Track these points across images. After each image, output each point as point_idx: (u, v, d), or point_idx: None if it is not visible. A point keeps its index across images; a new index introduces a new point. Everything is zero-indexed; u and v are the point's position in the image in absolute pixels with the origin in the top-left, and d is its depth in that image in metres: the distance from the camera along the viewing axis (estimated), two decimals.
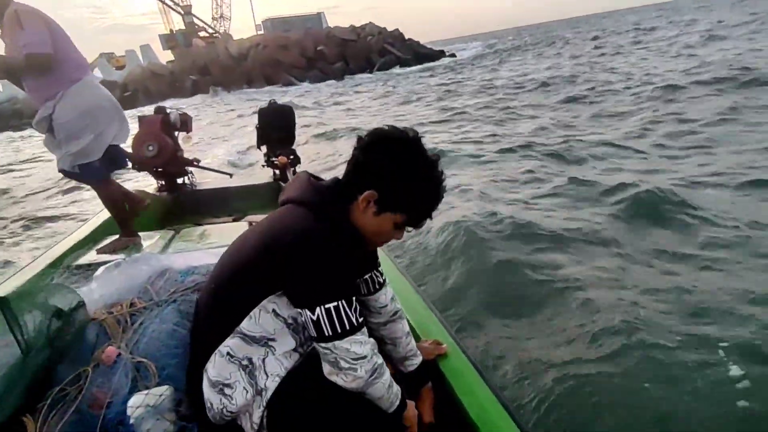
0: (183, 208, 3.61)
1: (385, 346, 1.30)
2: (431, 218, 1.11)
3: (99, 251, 2.36)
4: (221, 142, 10.34)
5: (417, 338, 1.45)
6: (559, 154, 5.85)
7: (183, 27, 46.80)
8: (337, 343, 0.98)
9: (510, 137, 7.11)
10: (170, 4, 46.37)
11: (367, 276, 1.27)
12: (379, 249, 1.37)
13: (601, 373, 2.03)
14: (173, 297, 1.32)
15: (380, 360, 1.05)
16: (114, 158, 2.46)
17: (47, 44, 2.09)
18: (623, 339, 2.21)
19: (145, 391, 1.05)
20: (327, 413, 1.02)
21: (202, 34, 47.09)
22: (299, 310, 1.00)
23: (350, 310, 0.99)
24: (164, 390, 1.06)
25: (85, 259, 2.23)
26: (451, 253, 3.49)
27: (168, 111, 3.62)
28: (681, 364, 2.04)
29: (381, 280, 1.29)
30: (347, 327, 0.98)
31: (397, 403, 1.08)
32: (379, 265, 1.30)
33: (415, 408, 1.18)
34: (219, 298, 1.08)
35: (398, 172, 1.03)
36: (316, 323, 0.97)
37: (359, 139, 1.08)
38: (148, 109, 4.08)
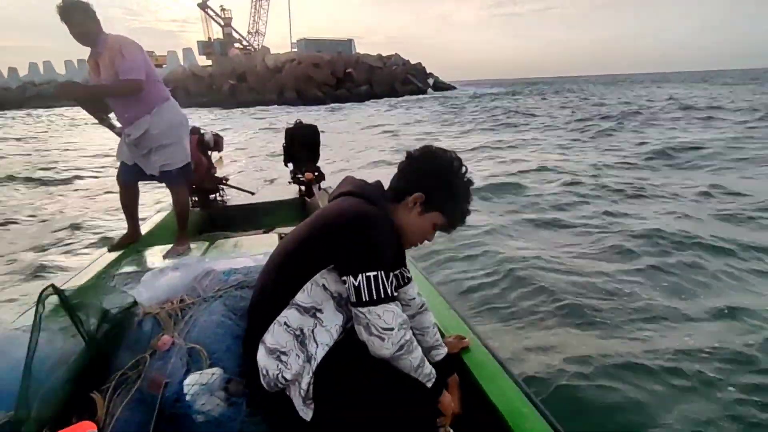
0: (215, 222, 3.81)
1: (414, 336, 1.40)
2: (464, 222, 1.30)
3: (166, 256, 2.66)
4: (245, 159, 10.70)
5: (441, 335, 1.54)
6: None
7: (221, 37, 50.26)
8: (371, 308, 1.10)
9: None
10: (212, 14, 49.86)
11: (397, 271, 1.39)
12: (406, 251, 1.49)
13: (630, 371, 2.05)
14: (219, 293, 1.46)
15: (409, 336, 1.15)
16: (186, 169, 2.88)
17: (142, 72, 2.54)
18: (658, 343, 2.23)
19: (200, 372, 1.18)
20: (369, 386, 1.12)
21: (237, 45, 50.08)
22: (344, 278, 1.13)
23: (387, 281, 1.11)
24: (216, 370, 1.18)
25: (134, 265, 2.42)
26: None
27: (203, 132, 3.87)
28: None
29: (409, 276, 1.42)
30: (383, 295, 1.10)
31: (430, 384, 1.18)
32: (407, 262, 1.43)
33: (451, 400, 1.25)
34: (279, 276, 1.22)
35: (444, 179, 1.25)
36: (357, 288, 1.10)
37: (408, 153, 1.28)
38: (188, 113, 4.32)
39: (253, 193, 4.30)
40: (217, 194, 4.05)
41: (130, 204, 2.90)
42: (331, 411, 1.13)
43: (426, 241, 1.32)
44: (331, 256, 1.15)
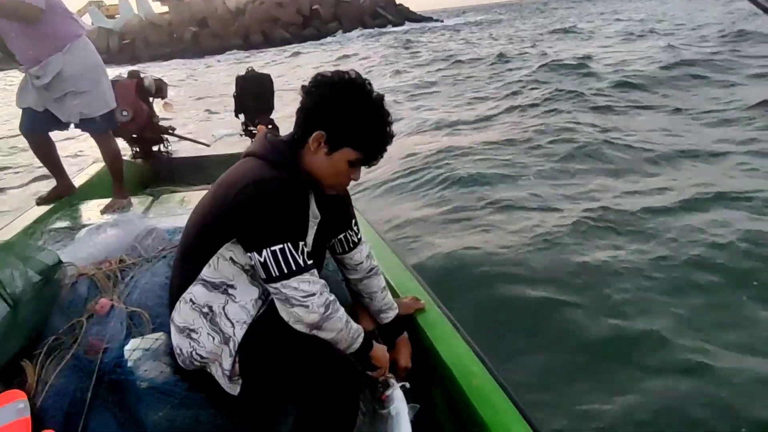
0: (159, 175, 3.58)
1: (362, 299, 1.39)
2: (383, 154, 1.16)
3: (104, 212, 2.44)
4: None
5: (396, 295, 1.55)
6: None
7: None
8: (284, 282, 1.03)
9: None
10: None
11: (341, 236, 1.34)
12: (357, 212, 1.45)
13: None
14: (162, 253, 1.38)
15: (332, 297, 1.09)
16: (110, 117, 2.60)
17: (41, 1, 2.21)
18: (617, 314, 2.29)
19: (141, 336, 1.12)
20: (297, 357, 1.07)
21: None
22: (249, 254, 1.05)
23: (296, 252, 1.03)
24: (159, 335, 1.13)
25: (66, 221, 2.23)
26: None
27: (142, 76, 3.54)
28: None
29: (356, 239, 1.36)
30: (293, 268, 1.02)
31: (360, 340, 1.14)
32: (356, 225, 1.38)
33: (386, 351, 1.25)
34: (185, 250, 1.15)
35: (342, 108, 1.08)
36: (264, 265, 1.02)
37: (303, 86, 1.12)
38: (151, 70, 3.96)
39: (207, 146, 4.06)
40: (161, 145, 3.79)
41: (47, 154, 2.63)
42: (260, 384, 1.10)
43: (353, 182, 1.19)
44: (231, 230, 1.07)
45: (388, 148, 1.16)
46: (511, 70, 10.22)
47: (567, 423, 1.75)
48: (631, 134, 5.13)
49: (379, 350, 1.22)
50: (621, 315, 2.31)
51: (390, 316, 1.39)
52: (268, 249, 1.02)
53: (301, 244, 1.05)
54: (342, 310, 1.12)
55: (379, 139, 1.13)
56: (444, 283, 2.52)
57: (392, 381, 1.32)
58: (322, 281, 1.09)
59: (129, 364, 1.09)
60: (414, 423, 1.23)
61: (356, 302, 1.46)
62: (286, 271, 1.02)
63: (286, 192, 1.05)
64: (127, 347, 1.11)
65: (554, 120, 5.86)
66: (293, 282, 1.03)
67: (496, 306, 2.43)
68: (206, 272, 1.09)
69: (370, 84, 1.12)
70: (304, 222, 1.13)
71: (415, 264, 2.51)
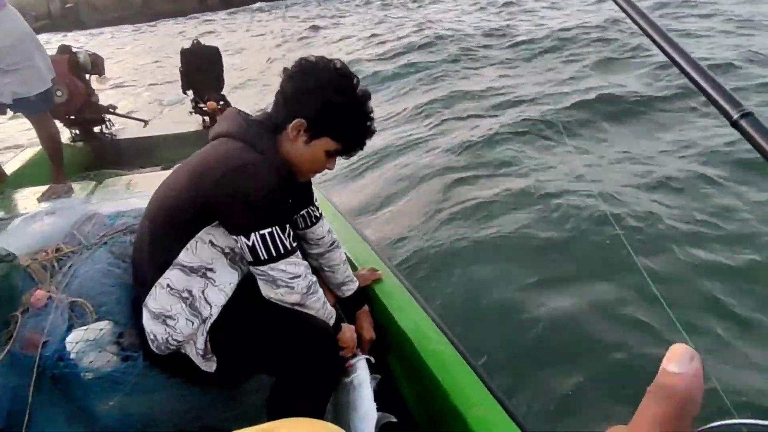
0: (103, 158, 3.37)
1: (323, 273, 1.39)
2: (362, 148, 1.16)
3: (41, 199, 2.29)
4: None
5: (354, 267, 1.55)
6: None
7: None
8: (272, 265, 1.03)
9: None
10: None
11: (303, 212, 1.33)
12: (315, 188, 1.42)
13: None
14: (104, 240, 1.30)
15: (314, 278, 1.12)
16: (46, 96, 2.41)
17: None
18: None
19: (84, 327, 1.06)
20: (273, 327, 1.09)
21: None
22: (235, 237, 1.04)
23: (284, 236, 1.04)
24: (104, 324, 1.08)
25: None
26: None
27: (75, 50, 3.28)
28: None
29: (317, 215, 1.36)
30: (282, 251, 1.03)
31: (332, 321, 1.16)
32: (316, 201, 1.37)
33: (354, 332, 1.27)
34: (157, 234, 1.10)
35: (326, 100, 1.07)
36: (252, 248, 1.02)
37: (285, 69, 1.10)
38: (102, 38, 3.63)
39: (145, 122, 3.82)
40: (103, 126, 3.55)
41: (48, 139, 2.46)
42: (235, 358, 1.10)
43: (328, 170, 1.20)
44: (213, 214, 1.04)
45: (368, 142, 1.17)
46: None
47: (529, 395, 1.80)
48: None
49: (348, 332, 1.24)
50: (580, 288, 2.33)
51: (352, 288, 1.40)
52: (256, 233, 1.01)
53: (287, 227, 1.06)
54: (321, 291, 1.13)
55: (360, 134, 1.13)
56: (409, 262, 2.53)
57: (357, 351, 1.34)
58: (305, 263, 1.10)
59: (72, 356, 1.03)
60: (377, 393, 1.25)
61: (317, 277, 1.46)
62: (274, 254, 1.03)
63: (270, 176, 1.03)
64: (68, 339, 1.05)
65: None
66: (281, 265, 1.04)
67: (464, 287, 2.46)
68: (183, 257, 1.06)
69: (357, 79, 1.11)
70: (287, 205, 1.13)
71: (374, 239, 2.50)
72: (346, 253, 1.59)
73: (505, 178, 3.61)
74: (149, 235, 1.11)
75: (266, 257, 1.02)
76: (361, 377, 1.26)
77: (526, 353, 1.97)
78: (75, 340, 1.04)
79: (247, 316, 1.09)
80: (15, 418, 1.00)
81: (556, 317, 2.15)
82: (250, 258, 1.04)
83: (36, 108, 2.39)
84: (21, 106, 2.34)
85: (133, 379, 1.05)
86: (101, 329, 1.07)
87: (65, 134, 3.45)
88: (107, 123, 3.56)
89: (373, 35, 9.69)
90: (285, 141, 1.11)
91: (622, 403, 1.64)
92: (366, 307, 1.42)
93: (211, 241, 1.06)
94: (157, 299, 1.07)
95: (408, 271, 2.46)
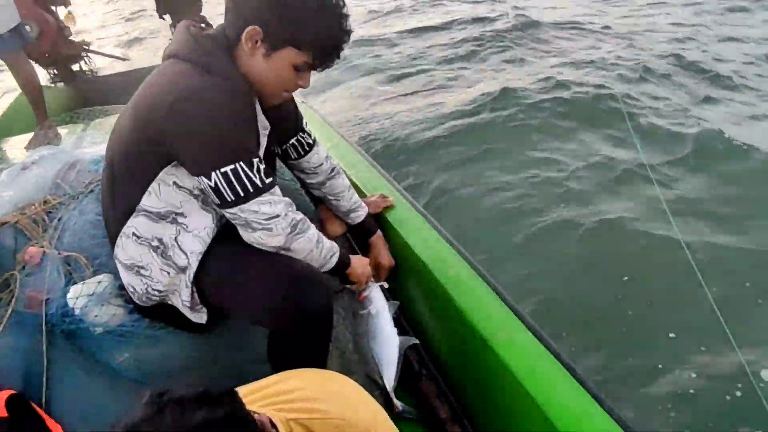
0: (88, 97, 3.19)
1: (329, 202, 1.29)
2: (338, 55, 0.94)
3: (28, 147, 2.17)
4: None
5: (362, 195, 1.45)
6: None
7: None
8: (242, 206, 0.90)
9: None
10: None
11: (293, 140, 1.21)
12: (306, 108, 1.28)
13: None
14: (90, 188, 1.21)
15: (299, 216, 0.97)
16: (18, 32, 2.22)
17: None
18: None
19: (82, 282, 1.01)
20: (247, 282, 0.96)
21: None
22: (196, 178, 0.90)
23: (251, 171, 0.89)
24: (102, 278, 1.03)
25: None
26: None
27: None
28: None
29: (310, 141, 1.23)
30: (250, 189, 0.89)
31: (335, 259, 1.05)
32: (305, 125, 1.23)
33: (365, 264, 1.18)
34: (116, 179, 0.97)
35: None
36: (215, 189, 0.88)
37: None
38: None
39: (125, 59, 3.56)
40: (82, 62, 3.32)
41: (26, 80, 2.29)
42: (222, 311, 1.02)
43: (300, 88, 1.00)
44: (166, 152, 0.89)
45: (345, 48, 0.94)
46: None
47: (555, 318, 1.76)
48: None
49: (358, 266, 1.13)
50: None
51: (361, 214, 1.31)
52: (217, 171, 0.86)
53: (255, 161, 0.90)
54: (312, 229, 0.99)
55: (329, 37, 0.91)
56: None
57: (370, 281, 1.29)
58: (286, 199, 0.96)
59: (76, 312, 1.00)
60: (395, 319, 1.22)
61: (322, 208, 1.38)
62: (242, 193, 0.88)
63: (228, 102, 0.87)
64: (69, 295, 1.00)
65: None
66: (252, 205, 0.90)
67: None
68: (147, 201, 0.94)
69: None
70: (253, 135, 0.96)
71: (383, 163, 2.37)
72: (352, 180, 1.49)
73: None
74: (109, 180, 0.98)
75: (233, 198, 0.88)
76: (378, 306, 1.22)
77: (547, 276, 1.92)
78: (75, 295, 1.00)
79: (228, 263, 0.98)
80: (31, 377, 0.98)
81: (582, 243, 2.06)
82: (216, 200, 0.90)
83: (9, 46, 2.19)
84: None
85: (142, 331, 1.01)
86: (100, 282, 1.01)
87: (44, 76, 3.24)
88: (86, 59, 3.32)
89: None
90: (242, 56, 0.92)
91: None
92: (379, 233, 1.33)
93: (175, 183, 0.93)
94: (125, 249, 0.97)
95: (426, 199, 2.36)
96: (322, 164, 1.25)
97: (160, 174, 0.92)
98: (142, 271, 0.98)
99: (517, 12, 5.65)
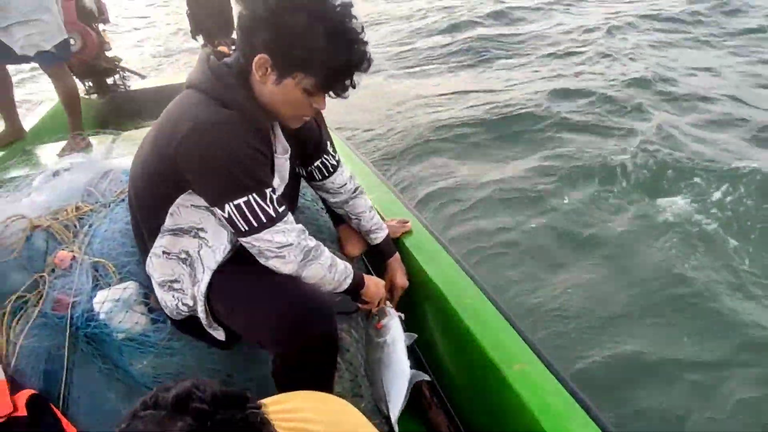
0: (120, 110, 3.31)
1: (350, 221, 1.31)
2: (352, 82, 0.92)
3: (61, 155, 2.26)
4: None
5: (383, 219, 1.47)
6: None
7: None
8: (256, 236, 0.92)
9: None
10: None
11: (318, 162, 1.22)
12: (332, 132, 1.32)
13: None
14: (121, 197, 1.26)
15: (312, 243, 0.99)
16: (64, 47, 2.35)
17: None
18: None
19: (109, 287, 1.04)
20: (255, 305, 0.97)
21: None
22: (211, 208, 0.94)
23: (264, 202, 0.91)
24: (128, 284, 1.06)
25: (18, 168, 2.07)
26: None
27: None
28: None
29: (334, 162, 1.25)
30: (263, 219, 0.91)
31: (348, 281, 1.06)
32: (332, 146, 1.26)
33: (380, 285, 1.18)
34: (140, 199, 1.02)
35: (279, 20, 0.85)
36: (229, 220, 0.91)
37: None
38: None
39: (143, 77, 3.68)
40: (116, 77, 3.45)
41: (67, 92, 2.41)
42: (233, 330, 1.03)
43: (318, 112, 1.01)
44: (184, 182, 0.93)
45: (359, 73, 0.92)
46: None
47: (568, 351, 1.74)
48: None
49: (372, 286, 1.14)
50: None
51: (381, 236, 1.32)
52: (230, 203, 0.89)
53: (268, 191, 0.92)
54: (325, 254, 1.01)
55: (339, 61, 0.89)
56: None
57: (389, 310, 1.28)
58: (299, 227, 0.98)
59: (101, 316, 1.02)
60: (409, 349, 1.21)
61: (342, 228, 1.40)
62: (255, 224, 0.91)
63: (240, 134, 0.89)
64: (95, 300, 1.03)
65: None
66: (265, 234, 0.92)
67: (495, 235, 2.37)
68: (169, 222, 0.98)
69: None
70: (266, 166, 0.97)
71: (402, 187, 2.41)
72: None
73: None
74: (136, 199, 1.03)
75: (246, 228, 0.91)
76: (395, 335, 1.22)
77: (566, 314, 1.90)
78: (101, 300, 1.03)
79: (236, 285, 1.00)
80: (51, 378, 1.00)
81: (598, 285, 2.05)
82: (231, 229, 0.94)
83: (55, 59, 2.32)
84: (41, 58, 2.28)
85: (162, 342, 1.03)
86: (126, 288, 1.04)
87: (79, 87, 3.38)
88: (120, 74, 3.46)
89: None
90: (255, 83, 0.93)
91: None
92: (397, 255, 1.34)
93: (192, 205, 0.97)
94: (155, 267, 1.02)
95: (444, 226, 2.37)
96: (345, 184, 1.27)
97: (178, 199, 0.96)
98: (175, 285, 1.01)
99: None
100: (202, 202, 0.96)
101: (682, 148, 3.00)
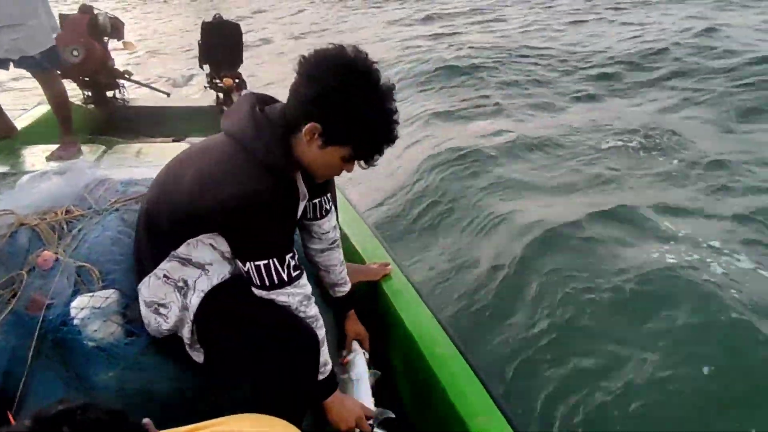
0: (113, 123, 3.34)
1: (318, 272, 1.33)
2: (381, 154, 1.03)
3: (49, 158, 2.27)
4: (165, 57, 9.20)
5: (362, 261, 1.53)
6: None
7: None
8: (265, 293, 1.01)
9: None
10: None
11: (316, 200, 1.25)
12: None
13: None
14: (115, 206, 1.28)
15: (312, 312, 1.05)
16: (52, 54, 2.38)
17: None
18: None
19: (90, 294, 1.04)
20: (250, 329, 1.03)
21: None
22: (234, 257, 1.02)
23: (281, 267, 0.99)
24: (110, 293, 1.06)
25: (7, 165, 2.05)
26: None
27: (96, 12, 3.23)
28: None
29: (328, 207, 1.28)
30: (276, 282, 0.99)
31: (322, 377, 1.07)
32: (331, 191, 1.30)
33: (352, 411, 1.11)
34: (155, 225, 1.05)
35: (342, 102, 0.93)
36: (247, 273, 1.00)
37: (301, 62, 0.96)
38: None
39: (168, 95, 3.78)
40: (116, 91, 3.51)
41: (56, 97, 2.43)
42: (221, 354, 1.06)
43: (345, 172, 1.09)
44: (214, 227, 1.00)
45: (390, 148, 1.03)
46: None
47: (530, 404, 1.78)
48: None
49: (337, 405, 1.11)
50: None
51: (344, 290, 1.35)
52: (251, 263, 0.98)
53: (287, 257, 1.00)
54: (321, 331, 1.06)
55: (379, 141, 1.00)
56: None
57: (356, 347, 1.33)
58: (304, 293, 1.04)
59: (76, 322, 1.01)
60: (374, 389, 1.23)
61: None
62: (268, 284, 1.00)
63: (278, 203, 0.96)
64: (74, 304, 1.03)
65: None
66: (273, 294, 1.01)
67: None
68: (183, 250, 1.02)
69: (377, 71, 0.96)
70: (293, 230, 1.08)
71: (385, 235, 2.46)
72: (354, 246, 1.58)
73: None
74: (149, 222, 1.06)
75: (259, 284, 1.00)
76: (360, 373, 1.25)
77: (527, 360, 1.95)
78: (80, 306, 1.02)
79: (228, 311, 1.05)
80: (12, 379, 0.98)
81: (562, 328, 2.11)
82: (246, 277, 1.01)
83: (39, 66, 2.36)
84: (26, 63, 2.32)
85: (134, 355, 1.03)
86: (107, 297, 1.04)
87: (78, 95, 3.41)
88: (121, 88, 3.52)
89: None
90: (299, 143, 1.00)
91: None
92: (353, 311, 1.38)
93: (211, 245, 1.02)
94: (149, 288, 1.04)
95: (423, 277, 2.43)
96: (328, 232, 1.28)
97: (202, 236, 1.01)
98: (161, 309, 1.04)
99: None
100: (222, 246, 1.02)
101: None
